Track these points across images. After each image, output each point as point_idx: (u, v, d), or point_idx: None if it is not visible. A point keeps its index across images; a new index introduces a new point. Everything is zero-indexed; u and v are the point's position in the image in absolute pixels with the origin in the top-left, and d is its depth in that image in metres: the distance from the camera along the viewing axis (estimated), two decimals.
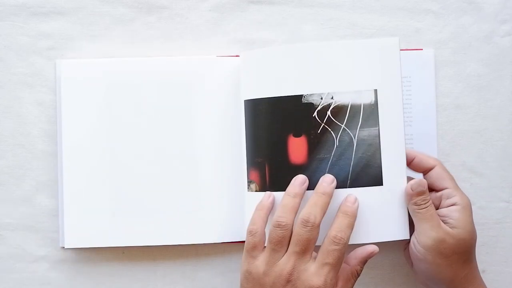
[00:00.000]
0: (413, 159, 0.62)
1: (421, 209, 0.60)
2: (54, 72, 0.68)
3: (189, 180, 0.67)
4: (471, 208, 0.61)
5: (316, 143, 0.62)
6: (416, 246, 0.61)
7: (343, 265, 0.60)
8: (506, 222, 0.69)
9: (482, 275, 0.63)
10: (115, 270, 0.68)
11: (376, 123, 0.62)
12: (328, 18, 0.70)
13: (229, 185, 0.67)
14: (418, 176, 0.63)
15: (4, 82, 0.68)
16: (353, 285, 0.60)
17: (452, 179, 0.62)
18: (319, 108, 0.62)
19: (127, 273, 0.68)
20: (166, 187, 0.67)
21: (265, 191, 0.63)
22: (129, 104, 0.67)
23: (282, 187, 0.61)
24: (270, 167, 0.63)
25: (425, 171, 0.63)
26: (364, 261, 0.60)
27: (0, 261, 0.68)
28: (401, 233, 0.62)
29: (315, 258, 0.58)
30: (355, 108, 0.62)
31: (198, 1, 0.69)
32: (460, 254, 0.60)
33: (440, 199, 0.62)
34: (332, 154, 0.62)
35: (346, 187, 0.61)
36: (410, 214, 0.61)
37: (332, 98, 0.62)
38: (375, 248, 0.60)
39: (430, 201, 0.60)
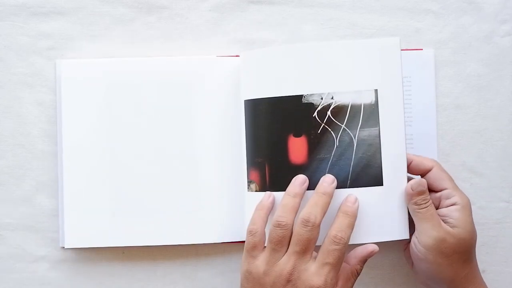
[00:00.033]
0: (411, 163, 0.62)
1: (422, 208, 0.60)
2: (54, 72, 0.68)
3: (189, 180, 0.67)
4: (470, 207, 0.62)
5: (316, 143, 0.62)
6: (417, 246, 0.61)
7: (343, 264, 0.60)
8: (506, 222, 0.69)
9: (482, 275, 0.63)
10: (115, 270, 0.68)
11: (376, 123, 0.62)
12: (328, 18, 0.70)
13: (229, 185, 0.67)
14: (417, 177, 0.63)
15: (4, 82, 0.68)
16: (353, 284, 0.60)
17: (451, 179, 0.63)
18: (319, 108, 0.62)
19: (127, 273, 0.68)
20: (166, 187, 0.67)
21: (265, 191, 0.63)
22: (129, 104, 0.67)
23: (282, 187, 0.61)
24: (270, 167, 0.63)
25: (423, 173, 0.63)
26: (364, 260, 0.60)
27: (0, 261, 0.68)
28: (401, 233, 0.62)
29: (315, 258, 0.58)
30: (356, 108, 0.62)
31: (198, 1, 0.69)
32: (461, 254, 0.60)
33: (439, 199, 0.62)
34: (332, 154, 0.62)
35: (346, 187, 0.61)
36: (411, 214, 0.61)
37: (332, 98, 0.62)
38: (375, 247, 0.60)
39: (430, 201, 0.61)
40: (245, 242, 0.60)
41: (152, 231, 0.66)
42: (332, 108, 0.62)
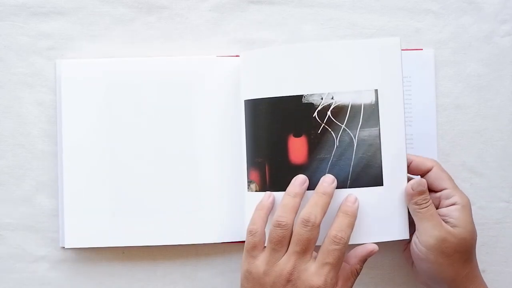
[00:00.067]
0: (411, 163, 0.62)
1: (422, 208, 0.60)
2: (54, 72, 0.68)
3: (189, 180, 0.67)
4: (470, 207, 0.62)
5: (316, 143, 0.62)
6: (417, 245, 0.61)
7: (343, 264, 0.60)
8: (506, 222, 0.69)
9: (482, 275, 0.63)
10: (115, 270, 0.68)
11: (376, 123, 0.62)
12: (328, 18, 0.70)
13: (229, 185, 0.67)
14: (417, 178, 0.63)
15: (4, 82, 0.68)
16: (353, 284, 0.60)
17: (450, 179, 0.63)
18: (319, 108, 0.62)
19: (127, 273, 0.68)
20: (166, 187, 0.67)
21: (265, 191, 0.63)
22: (129, 104, 0.67)
23: (282, 187, 0.61)
24: (270, 167, 0.63)
25: (423, 173, 0.63)
26: (364, 260, 0.60)
27: (0, 261, 0.68)
28: (401, 233, 0.62)
29: (315, 258, 0.58)
30: (356, 108, 0.62)
31: (198, 1, 0.69)
32: (461, 253, 0.60)
33: (439, 199, 0.62)
34: (332, 154, 0.62)
35: (346, 187, 0.61)
36: (411, 214, 0.61)
37: (332, 98, 0.62)
38: (374, 246, 0.60)
39: (431, 201, 0.61)
40: (245, 242, 0.60)
41: (152, 231, 0.66)
42: (332, 108, 0.62)
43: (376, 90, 0.62)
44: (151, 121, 0.67)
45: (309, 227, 0.58)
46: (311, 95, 0.62)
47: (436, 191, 0.62)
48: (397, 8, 0.70)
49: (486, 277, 0.65)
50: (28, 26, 0.69)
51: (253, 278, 0.58)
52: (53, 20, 0.69)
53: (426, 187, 0.61)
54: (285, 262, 0.58)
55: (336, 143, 0.62)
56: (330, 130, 0.62)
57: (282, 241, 0.58)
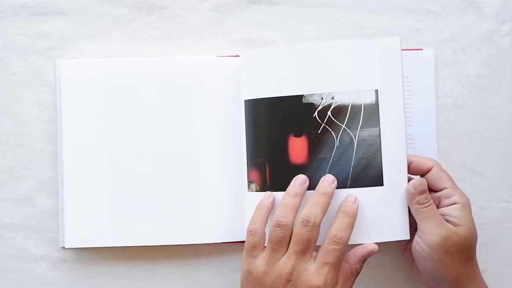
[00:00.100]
0: (411, 163, 0.62)
1: (424, 207, 0.60)
2: (54, 72, 0.68)
3: (189, 180, 0.67)
4: (470, 206, 0.62)
5: (316, 143, 0.62)
6: (420, 245, 0.61)
7: (343, 263, 0.60)
8: (506, 222, 0.69)
9: (482, 275, 0.63)
10: (115, 270, 0.68)
11: (376, 123, 0.62)
12: (328, 18, 0.70)
13: (229, 185, 0.67)
14: (417, 177, 0.63)
15: (4, 82, 0.68)
16: (353, 283, 0.60)
17: (450, 178, 0.63)
18: (319, 108, 0.62)
19: (127, 273, 0.68)
20: (166, 187, 0.67)
21: (265, 191, 0.63)
22: (129, 104, 0.67)
23: (283, 187, 0.61)
24: (270, 167, 0.63)
25: (423, 173, 0.63)
26: (364, 260, 0.60)
27: (0, 261, 0.68)
28: (402, 233, 0.62)
29: (315, 258, 0.58)
30: (356, 108, 0.62)
31: (198, 1, 0.69)
32: (463, 252, 0.60)
33: (439, 199, 0.62)
34: (333, 154, 0.62)
35: (346, 187, 0.61)
36: (413, 213, 0.61)
37: (332, 98, 0.62)
38: (374, 246, 0.60)
39: (431, 200, 0.61)
40: (245, 242, 0.60)
41: (152, 231, 0.66)
42: (333, 108, 0.62)
43: (376, 90, 0.62)
44: (151, 121, 0.67)
45: (309, 227, 0.58)
46: (311, 95, 0.62)
47: (436, 191, 0.62)
48: (397, 8, 0.70)
49: (486, 277, 0.65)
50: (28, 26, 0.69)
51: (253, 278, 0.58)
52: (53, 20, 0.69)
53: (427, 186, 0.61)
54: (285, 262, 0.58)
55: (336, 143, 0.62)
56: (330, 130, 0.62)
57: (282, 241, 0.58)
